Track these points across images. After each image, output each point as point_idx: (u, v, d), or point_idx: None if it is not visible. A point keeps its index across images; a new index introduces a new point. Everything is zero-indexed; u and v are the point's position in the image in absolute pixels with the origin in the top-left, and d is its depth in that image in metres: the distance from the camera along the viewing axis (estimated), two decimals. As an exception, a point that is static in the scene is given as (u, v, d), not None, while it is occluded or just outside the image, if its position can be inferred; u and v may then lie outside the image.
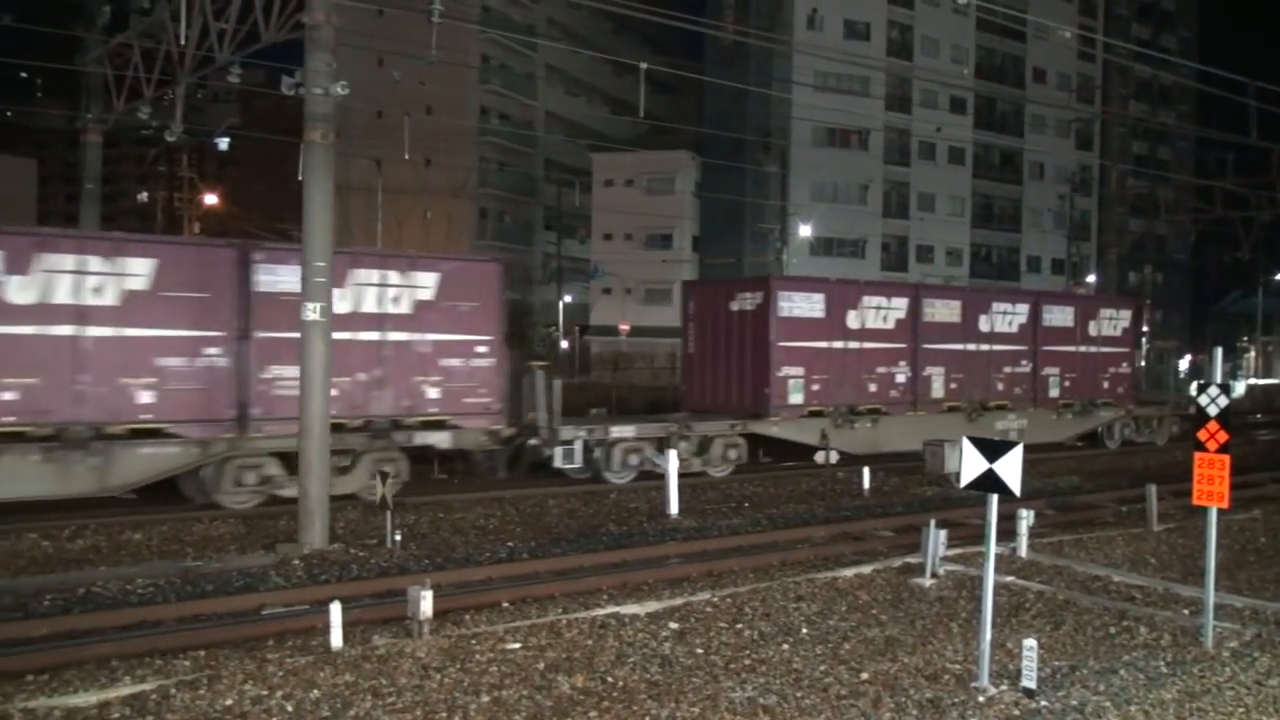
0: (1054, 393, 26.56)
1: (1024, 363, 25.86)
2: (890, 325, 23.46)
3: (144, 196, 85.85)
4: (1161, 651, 9.32)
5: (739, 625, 9.97)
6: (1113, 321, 27.98)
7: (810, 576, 12.00)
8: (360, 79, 14.51)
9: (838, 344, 22.63)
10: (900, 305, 23.74)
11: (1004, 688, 8.20)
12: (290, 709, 7.58)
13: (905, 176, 65.15)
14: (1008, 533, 13.06)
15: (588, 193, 65.47)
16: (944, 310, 24.53)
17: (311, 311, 13.81)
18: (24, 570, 12.24)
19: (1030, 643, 8.21)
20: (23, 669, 8.41)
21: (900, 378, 23.58)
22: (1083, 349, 27.10)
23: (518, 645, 9.14)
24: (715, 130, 54.12)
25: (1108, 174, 72.81)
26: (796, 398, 21.98)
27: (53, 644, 9.21)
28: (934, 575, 11.82)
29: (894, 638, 9.61)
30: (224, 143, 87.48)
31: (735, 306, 22.52)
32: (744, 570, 12.74)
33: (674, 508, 16.65)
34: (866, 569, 12.32)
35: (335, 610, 9.06)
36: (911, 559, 12.62)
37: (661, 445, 19.83)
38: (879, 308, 23.35)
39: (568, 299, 61.72)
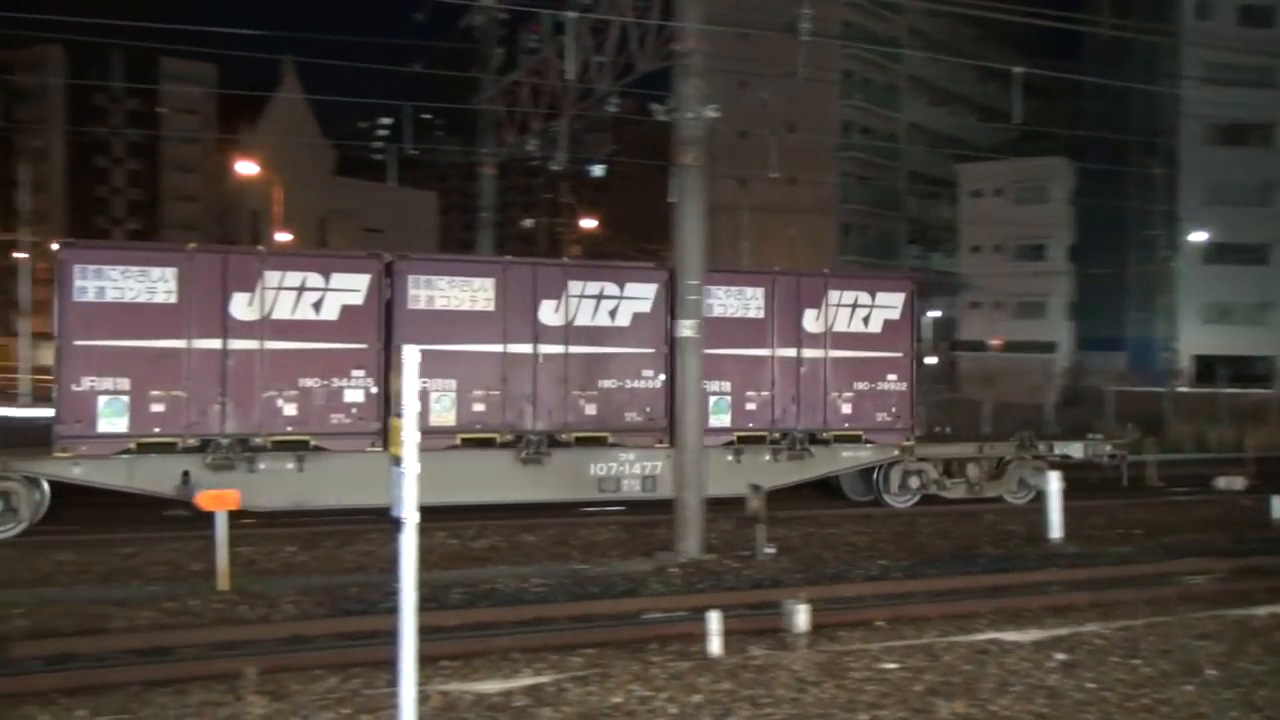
0: (723, 420, 17.93)
1: (648, 373, 17.76)
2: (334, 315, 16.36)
3: (529, 222, 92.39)
4: None
5: (1134, 660, 9.28)
6: (863, 310, 19.04)
7: (1216, 613, 10.99)
8: (723, 100, 14.84)
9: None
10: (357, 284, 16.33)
11: None
12: (674, 711, 7.85)
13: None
14: None
15: (954, 204, 63.62)
16: (461, 293, 16.80)
17: (686, 329, 14.30)
18: (436, 565, 13.44)
19: None
20: (437, 655, 9.22)
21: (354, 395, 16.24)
22: (790, 353, 18.43)
23: (894, 665, 8.99)
24: (1093, 133, 51.01)
25: None
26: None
27: (461, 634, 10.05)
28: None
29: (1321, 686, 8.61)
30: (598, 169, 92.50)
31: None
32: (1136, 602, 11.86)
33: (1056, 531, 15.79)
34: (1283, 608, 11.12)
35: (714, 619, 9.29)
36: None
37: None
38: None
39: (935, 314, 60.23)
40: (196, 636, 10.00)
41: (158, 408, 15.40)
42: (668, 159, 14.85)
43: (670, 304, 17.18)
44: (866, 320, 18.96)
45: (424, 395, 16.27)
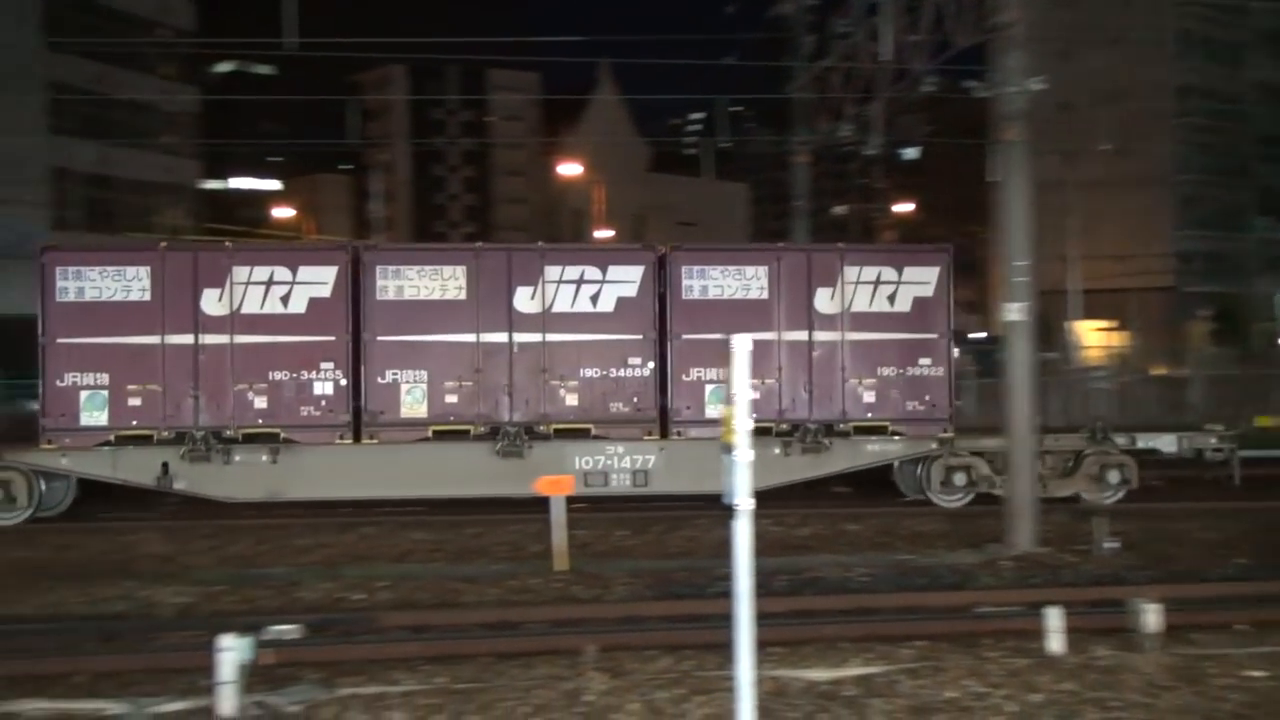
0: (720, 410, 15.59)
1: (635, 361, 16.71)
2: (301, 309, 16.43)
3: (842, 209, 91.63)
4: None
5: None
6: (890, 287, 17.07)
7: None
8: (1046, 71, 14.05)
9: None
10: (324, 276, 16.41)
11: None
12: (1013, 709, 7.56)
13: None
14: None
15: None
16: (432, 282, 16.54)
17: (1015, 312, 13.72)
18: (760, 552, 13.57)
19: None
20: (766, 640, 9.26)
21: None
22: (800, 337, 16.91)
23: (1263, 674, 8.25)
24: None
25: None
26: None
27: (788, 620, 10.11)
28: None
29: None
30: (911, 152, 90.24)
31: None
32: None
33: None
34: None
35: (1054, 615, 8.86)
36: None
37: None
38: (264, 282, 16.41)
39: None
40: (538, 614, 10.58)
41: (135, 401, 15.98)
42: (987, 137, 14.28)
43: (657, 286, 16.69)
44: (893, 298, 17.06)
45: (394, 387, 16.34)
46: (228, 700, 7.34)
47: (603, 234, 67.62)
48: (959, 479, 17.01)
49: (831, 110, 23.16)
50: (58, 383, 15.93)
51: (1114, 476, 17.08)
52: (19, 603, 11.16)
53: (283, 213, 75.94)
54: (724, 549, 13.39)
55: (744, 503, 5.63)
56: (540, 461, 16.01)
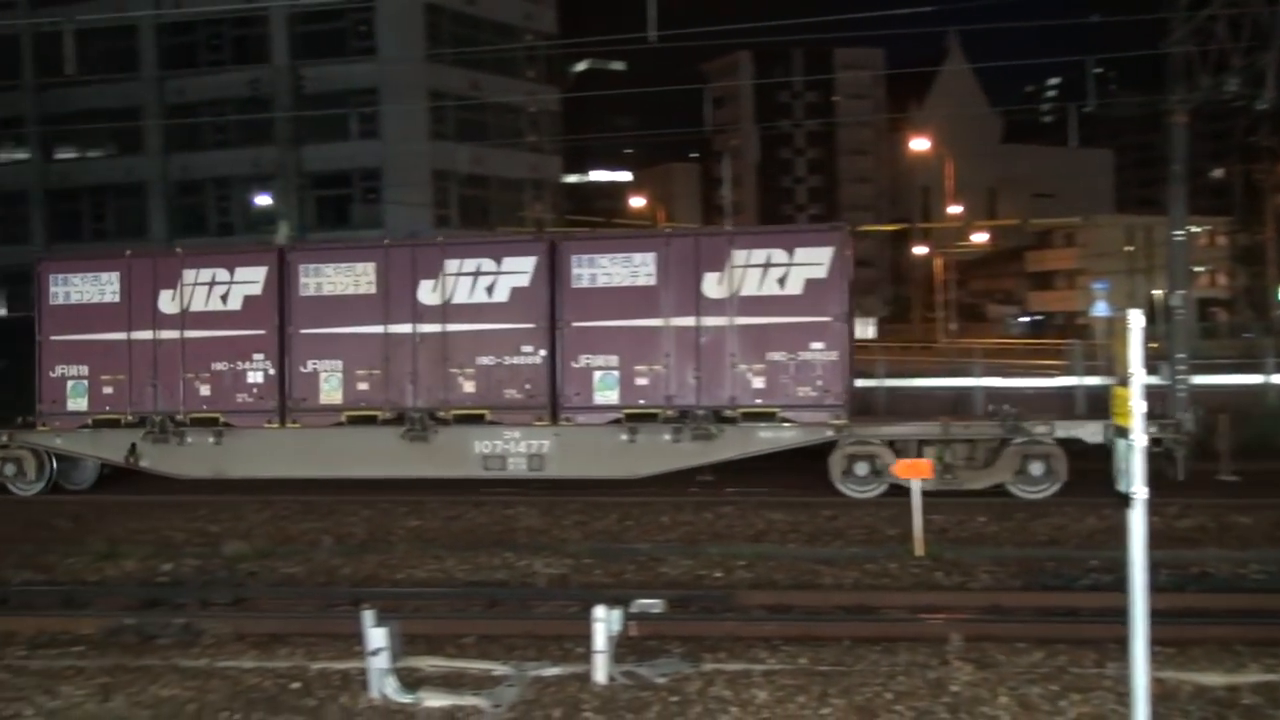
0: (609, 396, 16.72)
1: (528, 349, 16.96)
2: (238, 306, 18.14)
3: (1220, 172, 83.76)
4: None
5: None
6: (781, 270, 16.38)
7: None
8: None
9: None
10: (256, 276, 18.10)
11: None
12: None
13: None
14: None
15: None
16: (346, 278, 17.73)
17: None
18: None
19: None
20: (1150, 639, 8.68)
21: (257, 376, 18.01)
22: (688, 323, 16.56)
23: None
24: None
25: None
26: None
27: (1173, 619, 9.34)
28: None
29: None
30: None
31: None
32: None
33: None
34: None
35: None
36: None
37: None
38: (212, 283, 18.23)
39: None
40: (897, 599, 10.41)
41: (108, 390, 18.30)
42: None
43: (550, 276, 16.96)
44: (783, 281, 16.44)
45: (314, 376, 17.69)
46: (601, 669, 7.72)
47: (953, 209, 65.49)
48: (861, 469, 16.28)
49: (1215, 63, 21.11)
50: (50, 374, 18.68)
51: (1037, 468, 16.03)
52: (415, 568, 12.30)
53: (637, 202, 79.00)
54: (1094, 539, 12.74)
55: (1140, 491, 5.21)
56: (443, 445, 17.29)
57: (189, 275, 18.28)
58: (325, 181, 45.28)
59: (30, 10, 44.64)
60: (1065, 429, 16.34)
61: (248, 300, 18.07)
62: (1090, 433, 16.16)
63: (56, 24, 34.23)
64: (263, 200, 43.58)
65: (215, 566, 12.63)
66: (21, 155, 49.05)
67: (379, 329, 17.62)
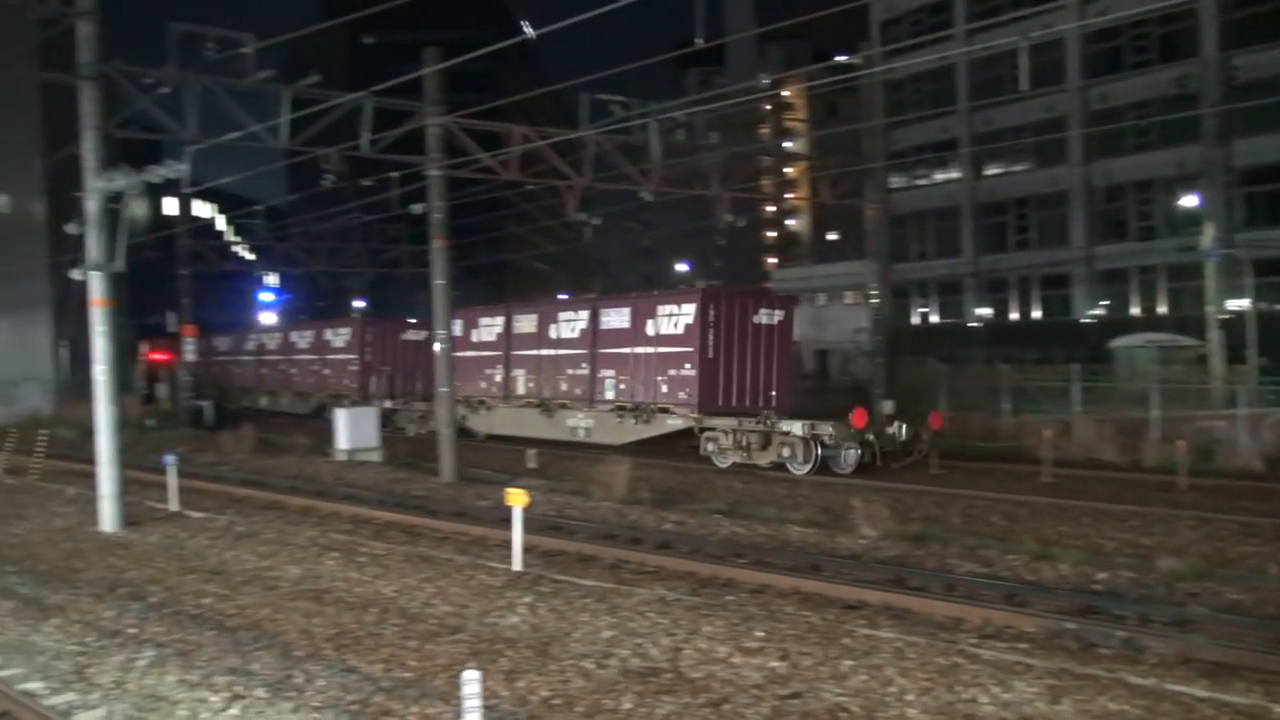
0: (609, 395, 28.42)
1: (584, 366, 29.17)
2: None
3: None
4: None
5: None
6: (672, 319, 27.00)
7: None
8: None
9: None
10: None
11: None
12: None
13: None
14: None
15: None
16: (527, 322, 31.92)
17: None
18: None
19: None
20: None
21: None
22: (639, 350, 27.67)
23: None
24: None
25: None
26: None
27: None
28: None
29: None
30: None
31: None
32: None
33: None
34: None
35: None
36: None
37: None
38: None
39: None
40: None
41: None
42: None
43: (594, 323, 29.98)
44: (675, 324, 26.72)
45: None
46: None
47: None
48: (709, 447, 25.63)
49: None
50: None
51: (785, 452, 23.78)
52: None
53: None
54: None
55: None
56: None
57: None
58: (1259, 176, 41.49)
59: (965, 39, 47.76)
60: (784, 424, 23.94)
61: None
62: (797, 429, 23.68)
63: (990, 48, 36.36)
64: (1187, 201, 41.32)
65: (1151, 581, 12.27)
66: (954, 174, 52.77)
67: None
